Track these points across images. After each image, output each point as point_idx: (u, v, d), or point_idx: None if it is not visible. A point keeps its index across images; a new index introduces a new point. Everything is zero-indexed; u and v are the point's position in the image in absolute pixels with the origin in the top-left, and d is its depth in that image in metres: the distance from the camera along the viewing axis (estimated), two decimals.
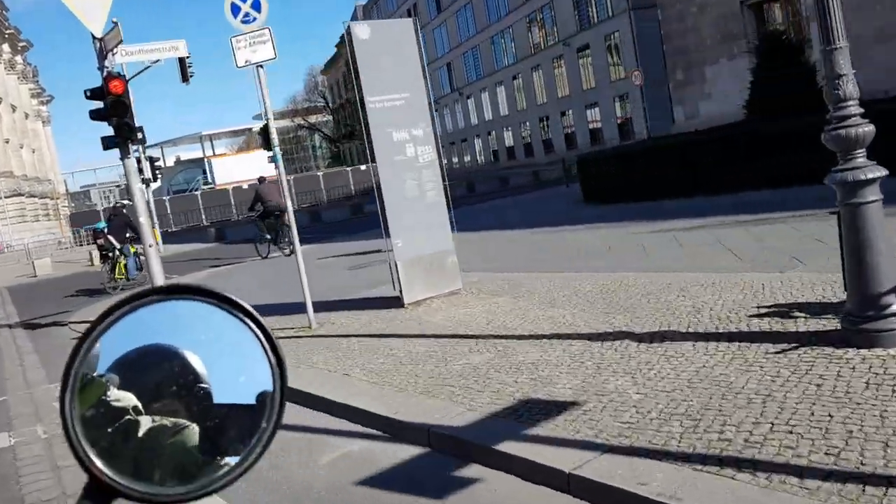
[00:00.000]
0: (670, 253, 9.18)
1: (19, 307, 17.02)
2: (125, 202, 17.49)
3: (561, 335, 6.02)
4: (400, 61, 8.41)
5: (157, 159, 30.33)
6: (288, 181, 9.47)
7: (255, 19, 7.91)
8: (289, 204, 8.91)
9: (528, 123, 58.44)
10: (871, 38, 16.00)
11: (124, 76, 10.96)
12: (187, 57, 24.41)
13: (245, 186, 50.20)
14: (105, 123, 10.53)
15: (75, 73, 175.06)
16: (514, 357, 5.63)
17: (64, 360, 0.88)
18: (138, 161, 28.22)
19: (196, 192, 58.71)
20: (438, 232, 8.58)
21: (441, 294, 8.51)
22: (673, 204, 13.27)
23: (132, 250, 16.04)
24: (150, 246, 10.93)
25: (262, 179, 18.69)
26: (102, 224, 18.04)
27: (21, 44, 58.86)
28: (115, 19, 10.52)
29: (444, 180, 8.61)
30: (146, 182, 28.41)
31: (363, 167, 51.68)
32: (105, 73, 10.79)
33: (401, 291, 8.27)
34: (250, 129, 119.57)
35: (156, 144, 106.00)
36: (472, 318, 7.30)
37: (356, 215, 32.33)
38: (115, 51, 11.03)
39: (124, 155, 11.04)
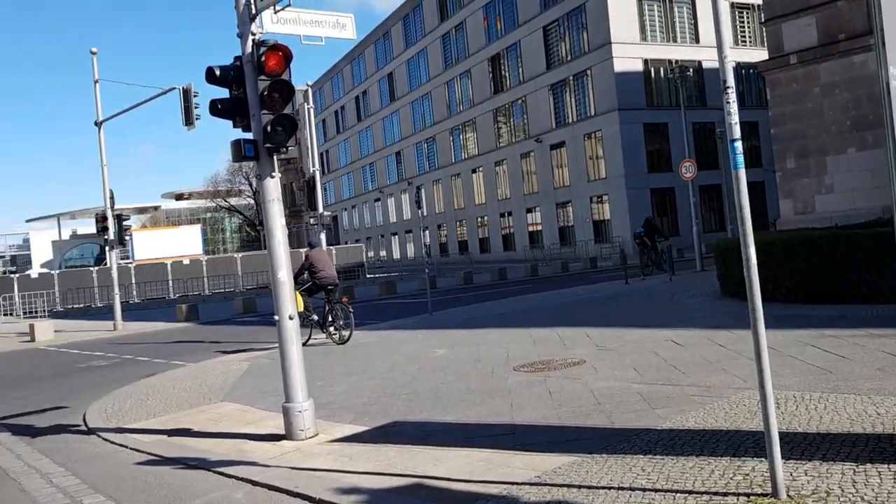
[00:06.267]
0: None
1: None
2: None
3: None
4: None
5: (126, 217, 25.01)
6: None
7: None
8: None
9: (486, 218, 55.69)
10: None
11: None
12: (194, 95, 20.17)
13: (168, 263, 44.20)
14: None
15: None
16: None
17: None
18: (102, 221, 22.78)
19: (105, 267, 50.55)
20: None
21: None
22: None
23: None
24: None
25: (312, 244, 14.37)
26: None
27: None
28: None
29: None
30: (110, 245, 23.23)
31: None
32: (253, 42, 6.74)
33: None
34: (157, 207, 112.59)
35: (51, 216, 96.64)
36: None
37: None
38: (273, 9, 7.01)
39: (269, 170, 6.85)
